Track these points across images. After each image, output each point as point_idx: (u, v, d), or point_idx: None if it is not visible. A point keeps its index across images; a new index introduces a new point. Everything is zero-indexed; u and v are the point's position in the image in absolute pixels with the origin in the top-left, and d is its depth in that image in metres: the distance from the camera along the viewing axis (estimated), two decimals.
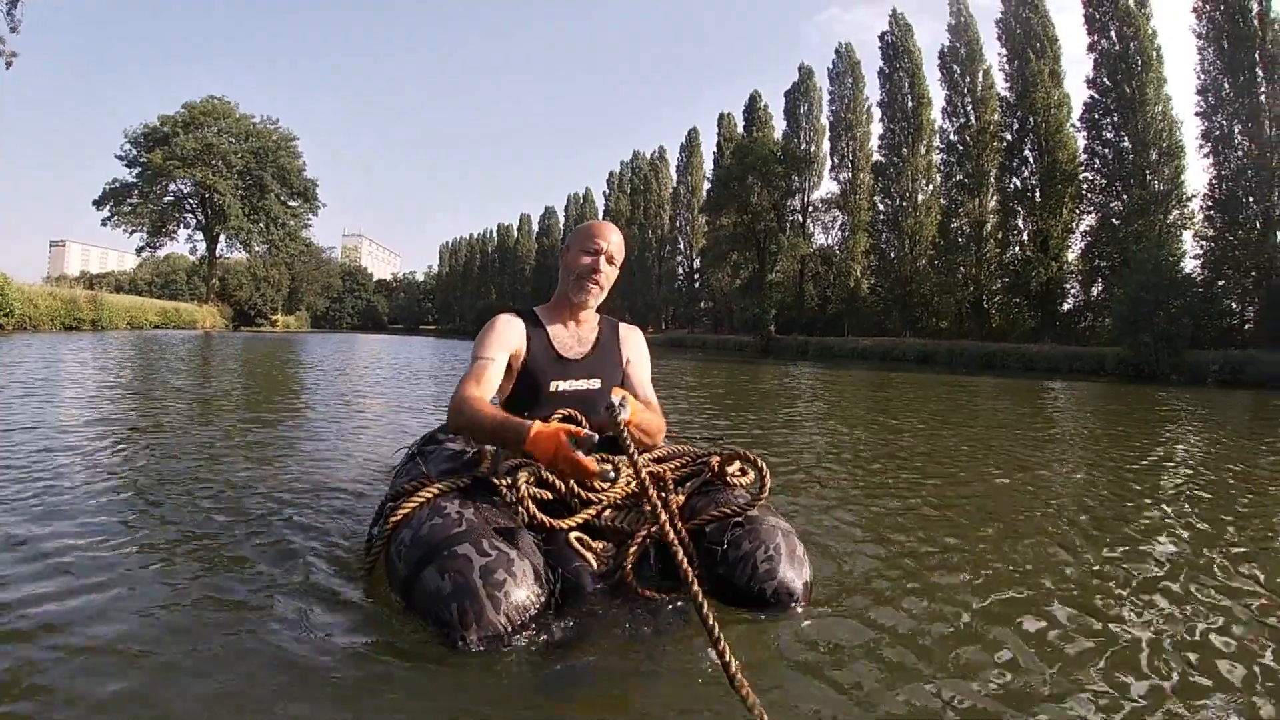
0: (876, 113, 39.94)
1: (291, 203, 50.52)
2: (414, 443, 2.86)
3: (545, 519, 2.17)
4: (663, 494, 2.32)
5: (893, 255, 38.60)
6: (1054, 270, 30.34)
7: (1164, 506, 4.17)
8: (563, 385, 2.56)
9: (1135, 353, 22.27)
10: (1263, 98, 23.49)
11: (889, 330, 36.38)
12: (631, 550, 2.13)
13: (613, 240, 2.60)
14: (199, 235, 48.76)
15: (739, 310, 46.68)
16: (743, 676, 1.52)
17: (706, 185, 50.43)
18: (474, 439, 2.43)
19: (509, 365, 2.54)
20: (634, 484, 2.25)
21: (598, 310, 2.71)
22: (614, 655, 1.90)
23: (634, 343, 2.79)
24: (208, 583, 2.41)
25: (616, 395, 2.21)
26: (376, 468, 4.39)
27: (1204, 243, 25.13)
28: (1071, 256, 30.91)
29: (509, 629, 1.84)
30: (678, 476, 2.51)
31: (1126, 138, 27.67)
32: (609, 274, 2.60)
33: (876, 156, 39.78)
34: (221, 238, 48.60)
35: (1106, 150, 28.68)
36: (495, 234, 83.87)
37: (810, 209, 44.24)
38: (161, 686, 1.77)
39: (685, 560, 1.77)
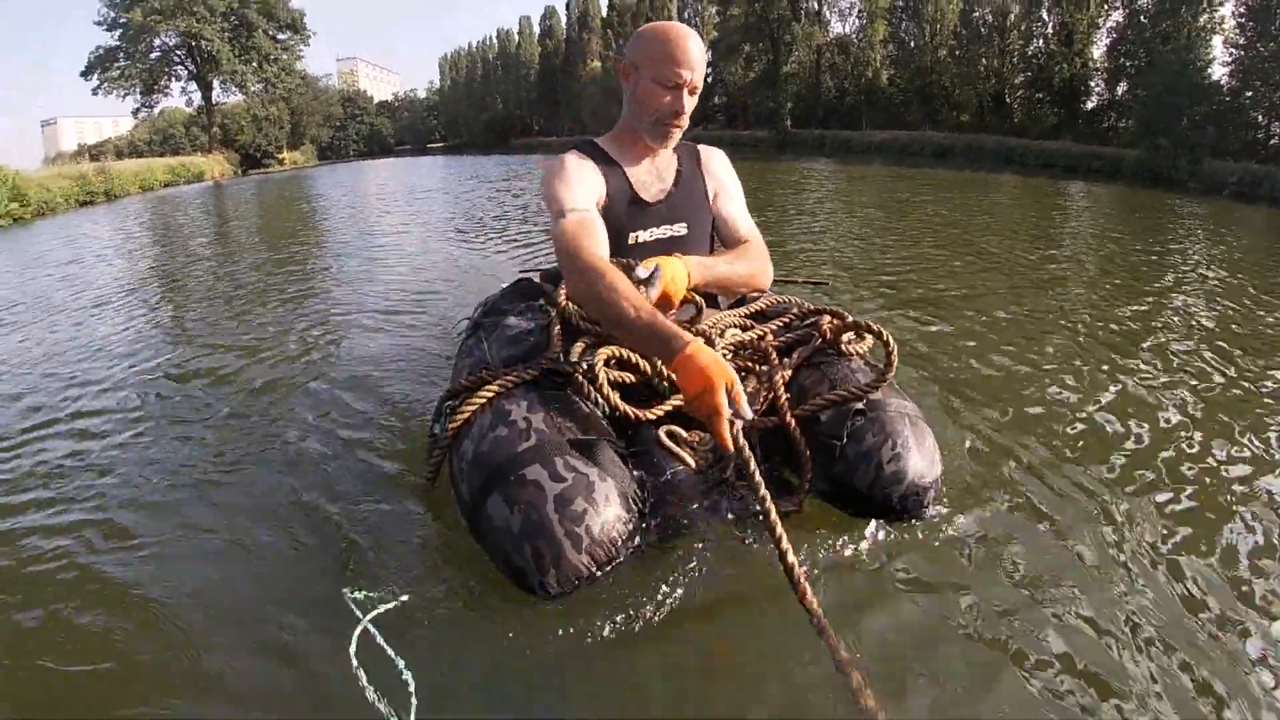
0: None
1: (280, 36, 48.45)
2: (476, 310, 2.46)
3: (630, 410, 1.84)
4: (764, 371, 2.01)
5: (912, 45, 37.15)
6: (1077, 67, 29.37)
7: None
8: (643, 235, 2.20)
9: (1153, 156, 22.26)
10: None
11: (908, 123, 35.55)
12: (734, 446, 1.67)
13: (696, 62, 2.07)
14: (193, 86, 47.29)
15: (754, 105, 45.67)
16: (838, 640, 1.39)
17: None
18: (604, 326, 1.95)
19: None
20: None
21: None
22: (713, 583, 1.72)
23: (717, 169, 2.37)
24: (251, 489, 2.42)
25: (645, 269, 1.91)
26: (424, 329, 4.31)
27: (1234, 50, 23.95)
28: (1097, 53, 29.69)
29: (593, 569, 1.55)
30: (780, 344, 2.12)
31: None
32: (692, 107, 2.12)
33: None
34: (216, 84, 47.14)
35: None
36: (495, 41, 79.31)
37: None
38: (185, 601, 1.85)
39: (772, 506, 1.54)
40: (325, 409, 3.06)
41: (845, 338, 2.07)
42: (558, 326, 2.03)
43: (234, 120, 48.21)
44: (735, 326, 2.14)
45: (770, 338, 2.13)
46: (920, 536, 1.90)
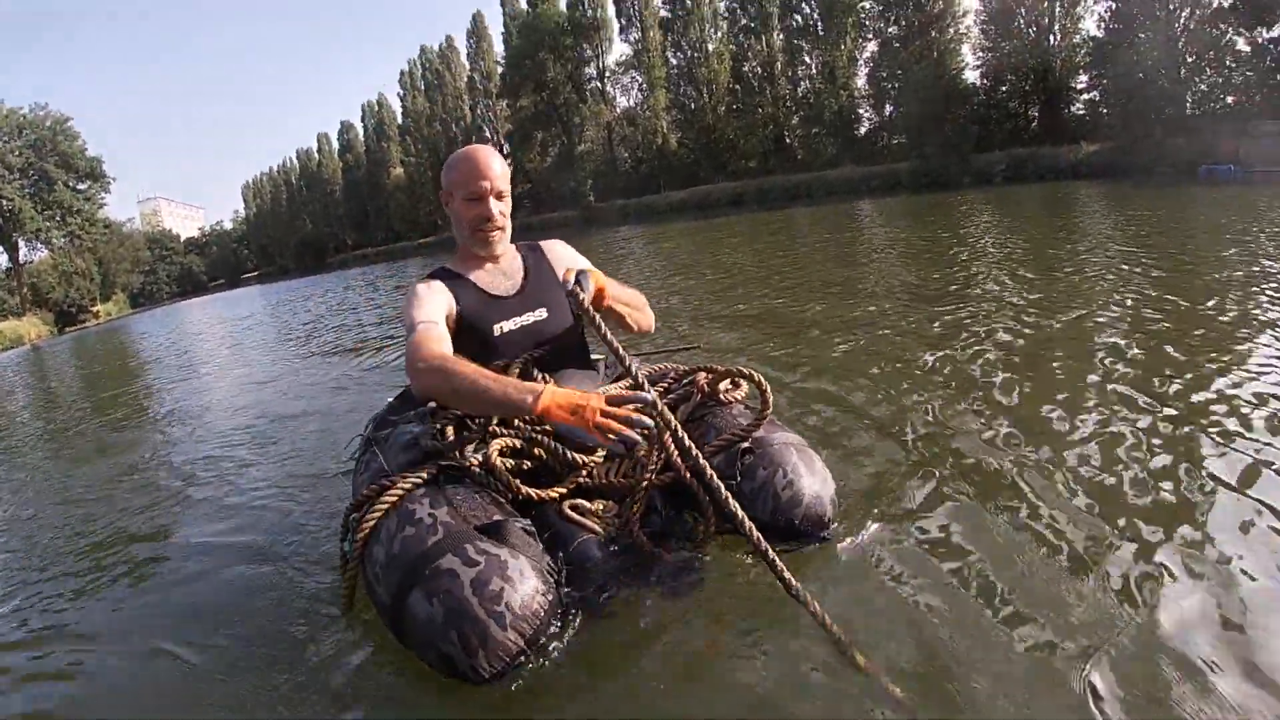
0: None
1: (80, 186, 44.44)
2: (366, 426, 2.44)
3: (533, 492, 1.82)
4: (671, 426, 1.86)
5: (693, 106, 38.20)
6: (844, 99, 31.14)
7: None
8: (508, 325, 2.20)
9: (924, 163, 23.60)
10: None
11: (701, 179, 36.16)
12: (635, 506, 1.82)
13: (494, 171, 2.16)
14: None
15: (556, 187, 45.39)
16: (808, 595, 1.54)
17: (500, 69, 48.17)
18: (464, 406, 1.96)
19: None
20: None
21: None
22: (639, 639, 1.62)
23: (561, 253, 2.42)
24: (177, 639, 2.09)
25: (569, 277, 1.91)
26: (309, 461, 3.74)
27: (982, 54, 26.29)
28: (860, 83, 31.75)
29: (520, 643, 1.50)
30: (666, 404, 2.08)
31: None
32: (505, 210, 2.21)
33: (663, 12, 38.48)
34: (20, 243, 42.81)
35: None
36: (296, 161, 76.36)
37: (607, 74, 42.73)
38: None
39: (728, 495, 1.65)
40: (224, 548, 2.74)
41: (722, 387, 2.17)
42: (450, 426, 2.01)
43: (43, 279, 43.66)
44: None
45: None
46: (827, 554, 1.85)
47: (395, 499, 1.77)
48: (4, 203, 40.69)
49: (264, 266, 77.77)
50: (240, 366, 8.59)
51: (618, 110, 43.01)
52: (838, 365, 3.81)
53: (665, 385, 2.23)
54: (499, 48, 48.73)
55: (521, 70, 42.09)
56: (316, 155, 72.74)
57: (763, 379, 1.98)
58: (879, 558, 1.83)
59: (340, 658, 1.81)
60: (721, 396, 2.15)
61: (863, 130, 32.06)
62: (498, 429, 1.95)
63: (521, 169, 49.34)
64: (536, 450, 1.92)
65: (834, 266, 8.12)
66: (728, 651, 1.56)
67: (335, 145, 69.85)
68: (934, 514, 2.06)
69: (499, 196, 2.18)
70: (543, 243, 2.43)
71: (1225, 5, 18.38)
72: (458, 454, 1.91)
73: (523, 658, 1.51)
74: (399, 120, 59.77)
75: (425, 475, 1.83)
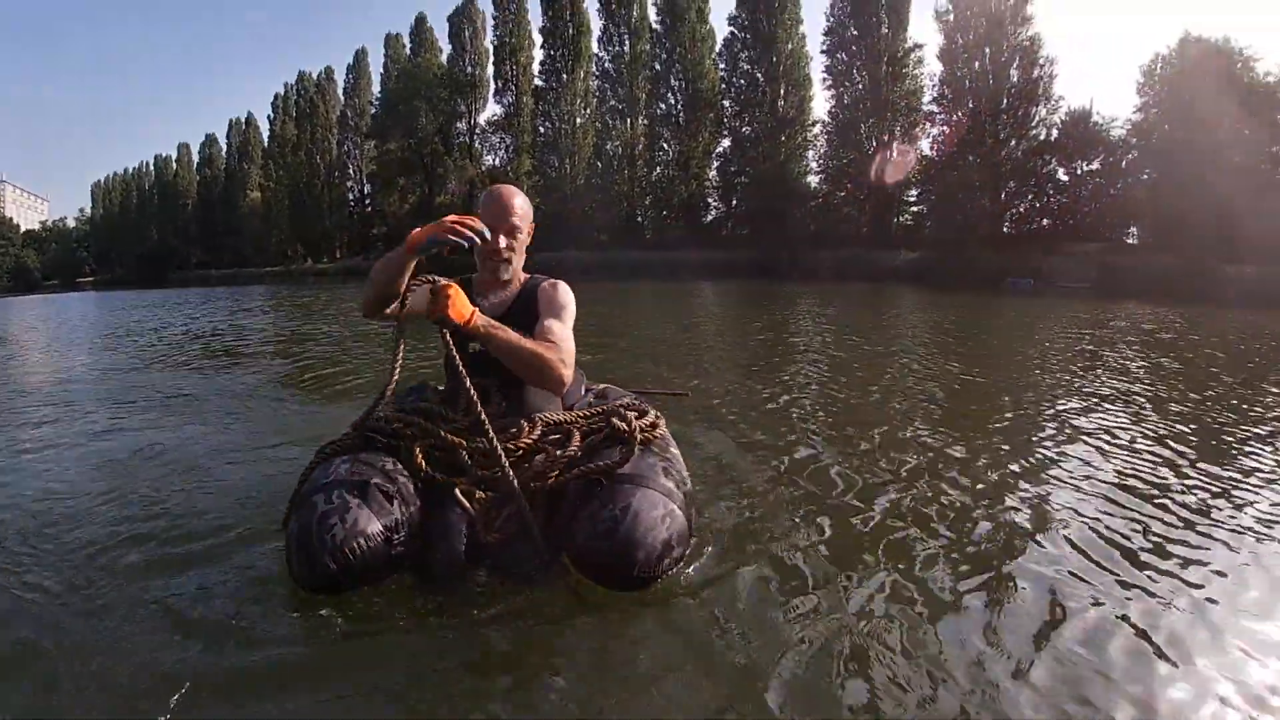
0: (538, 38, 37.83)
1: None
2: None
3: (434, 472, 2.02)
4: (554, 451, 2.07)
5: (554, 175, 37.18)
6: (693, 187, 31.78)
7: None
8: (479, 346, 2.19)
9: (761, 254, 24.05)
10: (882, 40, 26.46)
11: (553, 245, 35.33)
12: (505, 510, 1.96)
13: (506, 211, 2.25)
14: None
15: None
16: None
17: (373, 109, 46.00)
18: (377, 292, 2.08)
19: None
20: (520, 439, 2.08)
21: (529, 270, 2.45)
22: (472, 624, 1.75)
23: (548, 294, 2.35)
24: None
25: (425, 283, 1.99)
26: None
27: (824, 160, 27.72)
28: (711, 174, 32.64)
29: (336, 569, 1.75)
30: (586, 428, 2.20)
31: (760, 70, 29.80)
32: (516, 245, 2.28)
33: (538, 81, 37.78)
34: None
35: (742, 80, 30.73)
36: (152, 167, 70.01)
37: (477, 131, 41.53)
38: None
39: (528, 520, 1.87)
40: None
41: (643, 423, 2.16)
42: (384, 410, 2.20)
43: None
44: (554, 419, 2.20)
45: (581, 421, 2.20)
46: (663, 599, 1.86)
47: (326, 456, 2.07)
48: None
49: (101, 273, 69.93)
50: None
51: (483, 168, 41.51)
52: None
53: (594, 411, 2.26)
54: (376, 87, 46.64)
55: (394, 114, 40.34)
56: (175, 165, 66.76)
57: (641, 427, 2.10)
58: (716, 613, 1.80)
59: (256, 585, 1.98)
60: (635, 433, 2.07)
61: (709, 218, 32.59)
62: (428, 425, 2.11)
63: (379, 211, 46.86)
64: (449, 439, 2.06)
65: (674, 333, 8.75)
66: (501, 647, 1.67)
67: (195, 158, 64.52)
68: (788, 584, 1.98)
69: (511, 233, 2.26)
70: (546, 281, 2.40)
71: (1051, 140, 19.18)
72: (380, 428, 2.15)
73: (340, 583, 1.78)
74: (264, 143, 55.86)
75: (348, 441, 2.11)
